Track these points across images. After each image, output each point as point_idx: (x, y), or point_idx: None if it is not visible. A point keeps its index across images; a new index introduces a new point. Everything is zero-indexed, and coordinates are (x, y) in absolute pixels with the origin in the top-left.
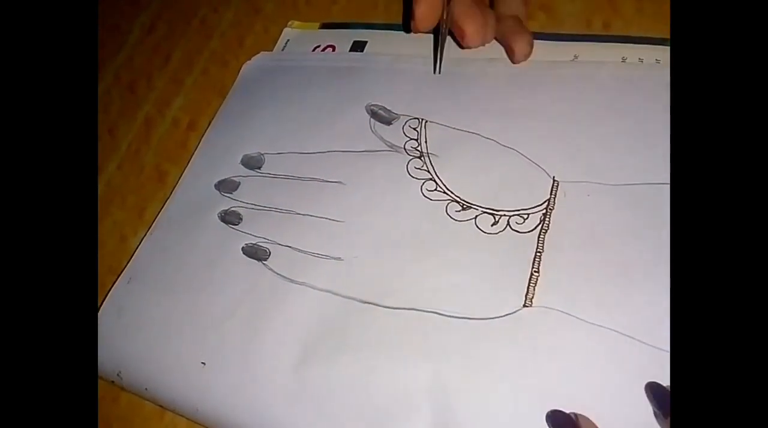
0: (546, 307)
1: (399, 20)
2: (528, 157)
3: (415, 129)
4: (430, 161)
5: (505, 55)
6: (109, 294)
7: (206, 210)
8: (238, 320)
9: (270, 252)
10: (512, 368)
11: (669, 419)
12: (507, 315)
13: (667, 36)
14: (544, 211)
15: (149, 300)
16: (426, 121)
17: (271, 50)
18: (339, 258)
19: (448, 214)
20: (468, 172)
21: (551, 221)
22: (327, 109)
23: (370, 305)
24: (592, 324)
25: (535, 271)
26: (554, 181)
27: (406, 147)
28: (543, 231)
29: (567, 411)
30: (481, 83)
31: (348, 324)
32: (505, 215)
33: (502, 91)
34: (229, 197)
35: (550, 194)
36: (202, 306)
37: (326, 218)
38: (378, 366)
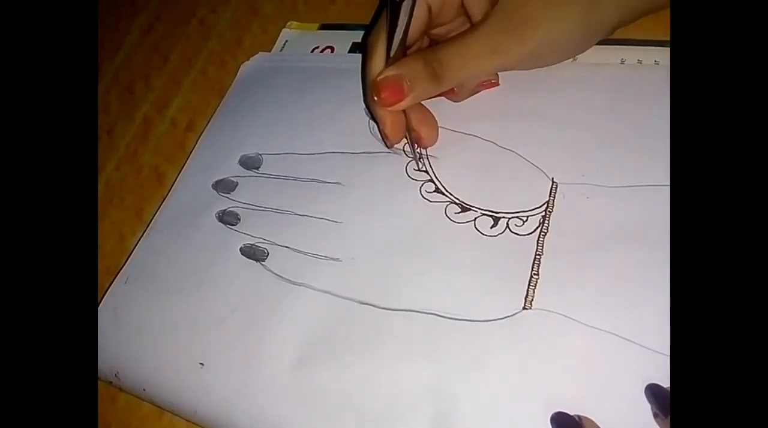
0: (545, 310)
1: None
2: (527, 158)
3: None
4: (429, 163)
5: None
6: (106, 295)
7: (204, 210)
8: (236, 321)
9: (268, 253)
10: (511, 370)
11: (669, 420)
12: (506, 317)
13: (666, 38)
14: (544, 214)
15: (146, 301)
16: None
17: (270, 51)
18: (337, 259)
19: (447, 216)
20: (467, 173)
21: (550, 223)
22: (325, 110)
23: (369, 306)
24: (592, 327)
25: (534, 274)
26: (553, 182)
27: (405, 148)
28: (542, 233)
29: (571, 413)
30: None
31: (346, 326)
32: (504, 217)
33: (501, 93)
34: (226, 197)
35: (550, 196)
36: (200, 306)
37: (325, 219)
38: (376, 367)
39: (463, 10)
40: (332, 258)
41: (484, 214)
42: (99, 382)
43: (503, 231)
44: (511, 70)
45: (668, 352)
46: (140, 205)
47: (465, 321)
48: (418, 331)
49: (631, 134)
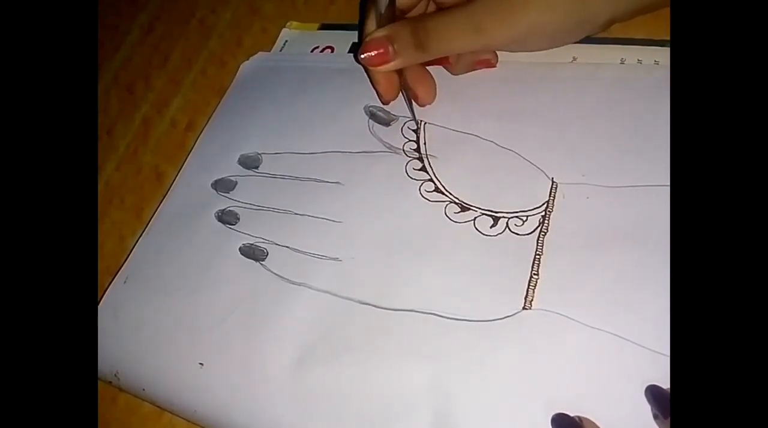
0: (545, 310)
1: None
2: (527, 158)
3: (413, 130)
4: (429, 162)
5: (504, 57)
6: (105, 295)
7: (203, 209)
8: (236, 321)
9: (268, 253)
10: (511, 370)
11: (669, 421)
12: (506, 317)
13: (666, 37)
14: (543, 213)
15: (146, 301)
16: (425, 123)
17: (270, 51)
18: (337, 259)
19: (446, 216)
20: (467, 173)
21: (550, 223)
22: (325, 110)
23: (369, 306)
24: (592, 327)
25: (534, 274)
26: (553, 182)
27: (404, 148)
28: (542, 233)
29: (571, 415)
30: (480, 84)
31: (346, 325)
32: (504, 217)
33: (501, 93)
34: (226, 197)
35: (549, 196)
36: (200, 306)
37: (324, 218)
38: (376, 367)
39: None
40: (332, 258)
41: (483, 214)
42: (99, 382)
43: (503, 231)
44: (497, 50)
45: (668, 353)
46: (140, 205)
47: (465, 321)
48: (417, 331)
49: (631, 134)
